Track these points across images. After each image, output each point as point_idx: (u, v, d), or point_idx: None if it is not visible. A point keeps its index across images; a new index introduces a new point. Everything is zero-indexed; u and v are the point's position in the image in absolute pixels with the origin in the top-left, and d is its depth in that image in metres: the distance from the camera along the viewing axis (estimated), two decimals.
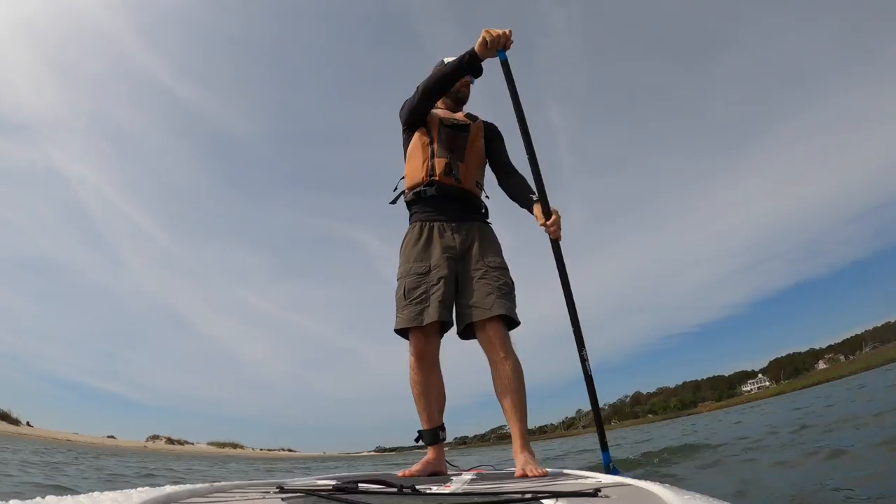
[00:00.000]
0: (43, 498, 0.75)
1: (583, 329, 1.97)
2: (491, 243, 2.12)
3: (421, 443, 2.06)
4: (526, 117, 2.06)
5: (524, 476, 1.65)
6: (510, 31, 2.02)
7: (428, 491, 1.11)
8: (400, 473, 1.90)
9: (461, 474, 2.05)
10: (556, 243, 2.01)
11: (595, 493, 0.92)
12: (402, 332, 2.02)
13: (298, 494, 1.02)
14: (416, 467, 1.94)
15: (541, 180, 2.04)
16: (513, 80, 2.08)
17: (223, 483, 1.22)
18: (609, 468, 1.89)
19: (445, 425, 2.09)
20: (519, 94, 2.09)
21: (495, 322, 1.95)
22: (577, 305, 1.97)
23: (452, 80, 2.11)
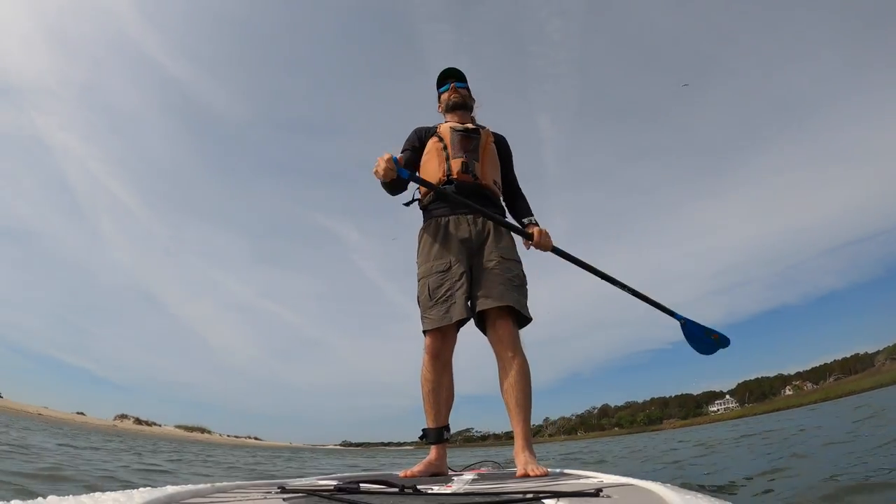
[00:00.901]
0: (44, 498, 0.75)
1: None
2: (506, 236, 2.15)
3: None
4: None
5: (526, 476, 1.64)
6: (385, 156, 1.99)
7: (429, 491, 1.12)
8: (401, 473, 1.90)
9: (462, 474, 2.05)
10: (556, 251, 2.13)
11: (597, 493, 0.92)
12: (425, 331, 2.03)
13: (300, 495, 1.02)
14: (417, 467, 1.93)
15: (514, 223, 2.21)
16: (422, 181, 2.13)
17: (225, 483, 1.23)
18: (682, 323, 2.24)
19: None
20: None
21: (505, 320, 1.96)
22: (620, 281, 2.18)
23: (392, 191, 2.15)
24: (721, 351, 2.29)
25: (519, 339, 1.98)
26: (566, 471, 1.89)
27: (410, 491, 1.06)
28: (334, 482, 1.24)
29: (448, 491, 1.16)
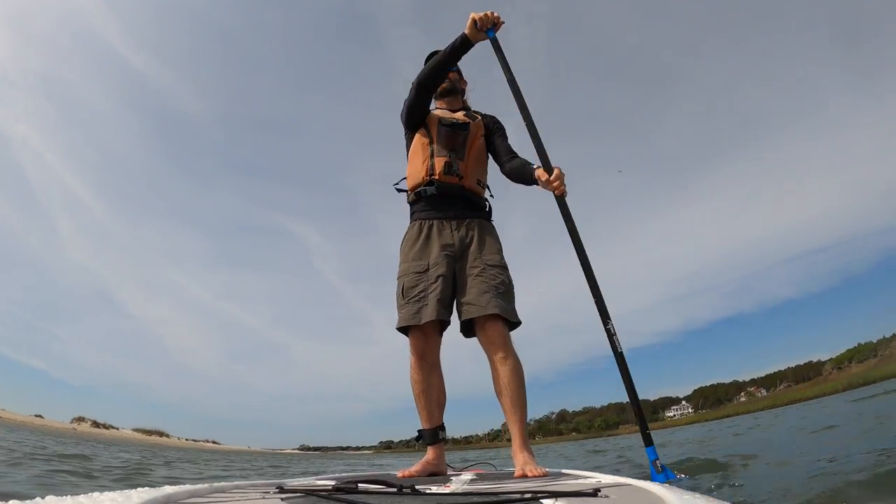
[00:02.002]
0: (43, 498, 0.75)
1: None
2: (490, 241, 2.11)
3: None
4: (519, 86, 2.12)
5: (524, 476, 1.65)
6: (496, 13, 2.08)
7: (428, 491, 1.12)
8: (400, 474, 1.90)
9: (461, 474, 2.05)
10: (561, 200, 1.96)
11: (595, 493, 0.92)
12: (403, 330, 2.03)
13: (298, 494, 1.02)
14: (415, 467, 1.93)
15: (540, 141, 2.03)
16: (504, 56, 2.14)
17: (223, 483, 1.23)
18: (657, 467, 1.60)
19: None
20: (510, 66, 2.15)
21: (495, 321, 1.95)
22: (595, 275, 1.89)
23: (446, 66, 2.14)
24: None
25: (510, 340, 1.97)
26: (564, 471, 1.89)
27: (409, 491, 1.06)
28: (332, 482, 1.24)
29: (446, 491, 1.16)
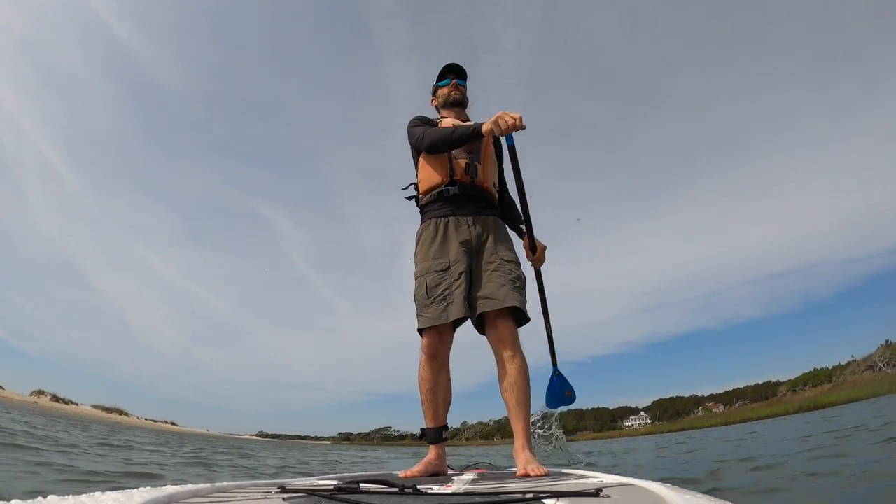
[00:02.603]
0: (44, 497, 0.75)
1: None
2: (505, 238, 2.17)
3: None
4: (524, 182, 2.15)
5: (526, 476, 1.65)
6: (521, 118, 1.89)
7: (429, 491, 1.11)
8: (401, 474, 1.90)
9: (462, 474, 2.05)
10: (538, 271, 2.27)
11: (597, 493, 0.92)
12: (419, 329, 2.04)
13: (300, 494, 1.02)
14: (417, 467, 1.93)
15: (529, 218, 2.20)
16: (517, 161, 2.06)
17: (224, 483, 1.23)
18: (555, 374, 2.39)
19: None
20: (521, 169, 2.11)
21: (506, 319, 1.97)
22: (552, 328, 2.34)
23: (457, 146, 2.10)
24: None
25: (518, 338, 1.99)
26: (566, 470, 1.89)
27: (410, 491, 1.06)
28: (334, 482, 1.24)
29: (448, 491, 1.16)
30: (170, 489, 0.95)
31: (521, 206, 2.17)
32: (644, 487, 1.08)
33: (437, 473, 1.95)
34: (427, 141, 2.11)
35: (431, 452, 2.01)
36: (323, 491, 1.01)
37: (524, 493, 0.98)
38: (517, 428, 1.91)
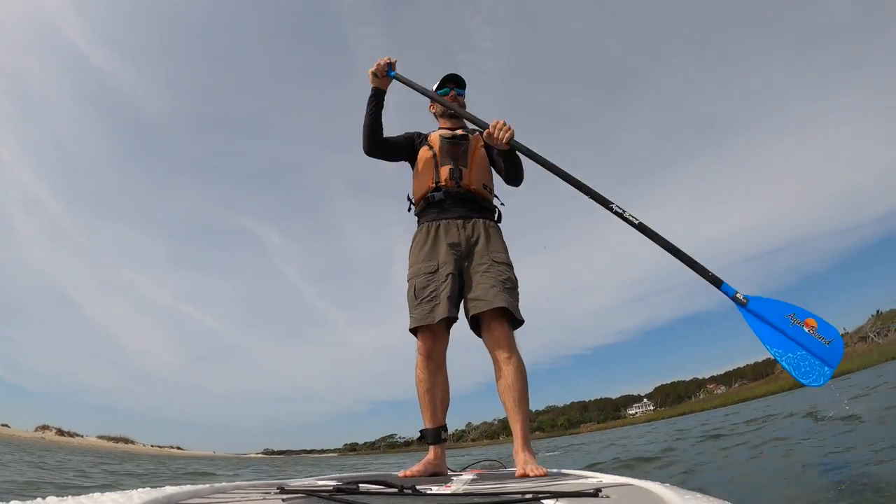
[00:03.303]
0: (43, 499, 0.75)
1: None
2: (497, 240, 2.16)
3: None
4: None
5: (525, 476, 1.65)
6: (383, 58, 2.19)
7: (429, 491, 1.11)
8: (401, 474, 1.90)
9: (462, 474, 2.05)
10: (515, 146, 2.02)
11: (596, 493, 0.92)
12: (413, 330, 2.06)
13: (299, 495, 1.02)
14: (416, 468, 1.94)
15: (469, 113, 2.20)
16: (410, 81, 2.23)
17: (224, 484, 1.23)
18: (739, 299, 1.65)
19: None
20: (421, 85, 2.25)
21: (500, 321, 1.98)
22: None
23: (374, 119, 2.22)
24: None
25: (514, 340, 2.00)
26: (565, 471, 1.89)
27: (409, 491, 1.06)
28: (333, 483, 1.24)
29: (447, 491, 1.16)
30: (169, 489, 0.95)
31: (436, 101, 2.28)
32: (643, 487, 1.08)
33: (437, 474, 1.96)
34: (364, 149, 2.24)
35: (431, 453, 2.01)
36: (322, 491, 1.01)
37: (523, 493, 0.98)
38: (516, 429, 1.91)
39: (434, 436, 2.03)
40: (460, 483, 1.46)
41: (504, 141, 2.00)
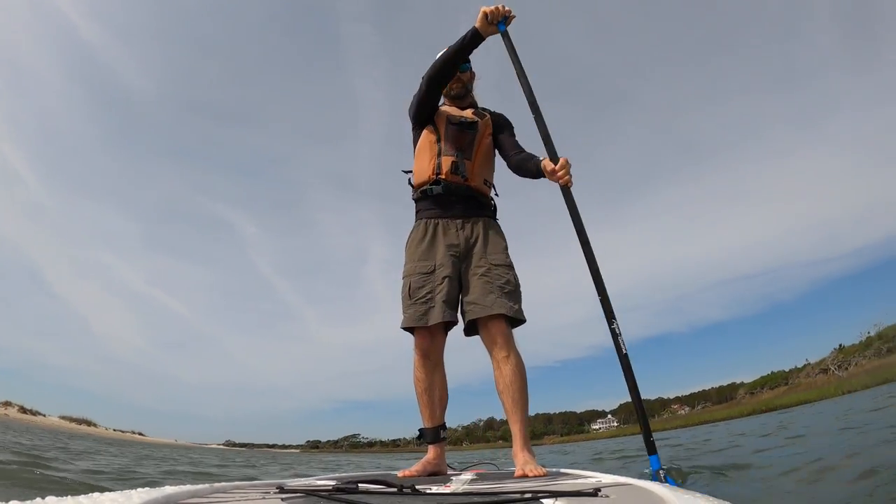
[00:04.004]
0: (43, 498, 0.75)
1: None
2: (496, 240, 2.11)
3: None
4: (529, 79, 2.10)
5: (524, 476, 1.65)
6: (507, 6, 2.06)
7: (428, 491, 1.11)
8: (400, 473, 1.90)
9: (461, 474, 2.05)
10: (567, 191, 1.94)
11: (595, 492, 0.92)
12: (408, 329, 2.03)
13: (298, 495, 1.02)
14: (416, 467, 1.93)
15: (547, 132, 2.04)
16: (514, 49, 2.12)
17: (223, 483, 1.23)
18: (660, 477, 1.52)
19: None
20: (521, 59, 2.13)
21: (498, 320, 1.95)
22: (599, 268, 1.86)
23: (458, 61, 2.12)
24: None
25: (512, 338, 1.97)
26: (564, 470, 1.89)
27: (409, 491, 1.06)
28: (333, 482, 1.24)
29: (447, 491, 1.16)
30: (168, 489, 0.95)
31: (530, 104, 2.07)
32: (643, 487, 1.08)
33: (436, 473, 1.95)
34: (424, 78, 2.12)
35: (430, 452, 2.01)
36: (321, 491, 1.01)
37: (522, 493, 0.98)
38: (515, 429, 1.90)
39: (433, 435, 2.02)
40: (460, 483, 1.46)
41: (563, 183, 1.93)
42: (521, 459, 1.81)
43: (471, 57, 2.18)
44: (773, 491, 2.53)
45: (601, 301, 1.82)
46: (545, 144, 2.03)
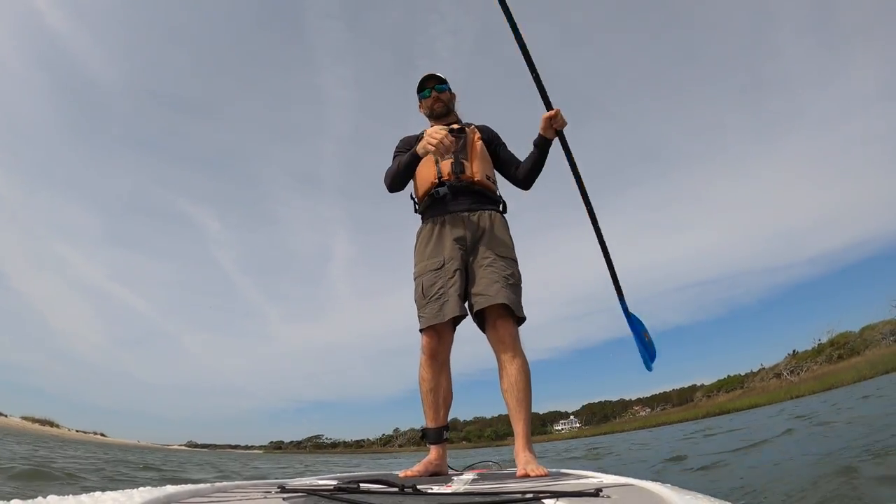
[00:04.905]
0: (44, 497, 0.75)
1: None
2: (502, 234, 2.13)
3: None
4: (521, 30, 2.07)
5: (526, 476, 1.65)
6: (446, 134, 1.96)
7: (429, 491, 1.11)
8: (401, 473, 1.90)
9: (462, 474, 2.05)
10: (562, 136, 2.14)
11: (596, 493, 0.92)
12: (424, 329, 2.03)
13: (300, 494, 1.02)
14: (417, 467, 1.93)
15: (542, 83, 2.11)
16: (513, 21, 2.05)
17: (224, 483, 1.23)
18: (628, 314, 2.25)
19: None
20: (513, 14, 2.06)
21: (505, 319, 1.96)
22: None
23: (408, 173, 2.17)
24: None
25: (518, 339, 1.99)
26: (566, 471, 1.89)
27: (410, 491, 1.06)
28: (334, 482, 1.24)
29: (448, 491, 1.15)
30: (169, 489, 0.95)
31: (528, 67, 2.09)
32: (644, 487, 1.08)
33: (438, 473, 1.95)
34: (386, 185, 2.21)
35: (432, 452, 2.01)
36: (323, 491, 1.01)
37: (524, 493, 0.98)
38: (517, 428, 1.91)
39: (436, 435, 2.02)
40: (461, 483, 1.46)
41: (561, 125, 2.10)
42: (522, 459, 1.81)
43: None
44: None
45: (588, 213, 2.24)
46: (541, 95, 2.11)
